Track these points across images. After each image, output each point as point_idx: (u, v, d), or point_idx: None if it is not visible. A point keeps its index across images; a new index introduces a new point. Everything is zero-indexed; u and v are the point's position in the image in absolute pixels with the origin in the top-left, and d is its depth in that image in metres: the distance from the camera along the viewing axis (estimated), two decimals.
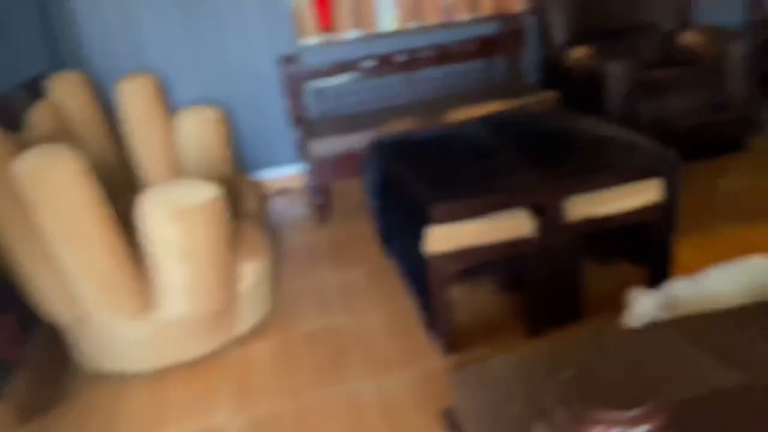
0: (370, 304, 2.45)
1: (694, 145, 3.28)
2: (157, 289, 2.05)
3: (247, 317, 2.30)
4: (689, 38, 3.49)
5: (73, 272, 1.95)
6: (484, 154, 2.23)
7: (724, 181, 3.07)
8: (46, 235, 1.90)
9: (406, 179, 2.14)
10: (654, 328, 1.36)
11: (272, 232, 3.18)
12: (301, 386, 2.05)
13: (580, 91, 3.29)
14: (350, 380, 2.05)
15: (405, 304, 2.41)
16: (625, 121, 3.10)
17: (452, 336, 2.08)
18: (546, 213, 1.98)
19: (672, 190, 2.07)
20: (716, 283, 1.68)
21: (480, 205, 1.95)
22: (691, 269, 2.37)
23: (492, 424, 1.17)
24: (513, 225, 1.98)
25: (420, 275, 2.08)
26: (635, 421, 0.64)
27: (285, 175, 3.65)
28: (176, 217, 1.93)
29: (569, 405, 0.67)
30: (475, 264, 2.06)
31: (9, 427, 2.02)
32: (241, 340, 2.31)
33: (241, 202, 2.74)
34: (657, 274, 2.18)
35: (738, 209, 2.79)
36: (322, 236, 3.09)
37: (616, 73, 3.03)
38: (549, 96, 3.17)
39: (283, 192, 3.63)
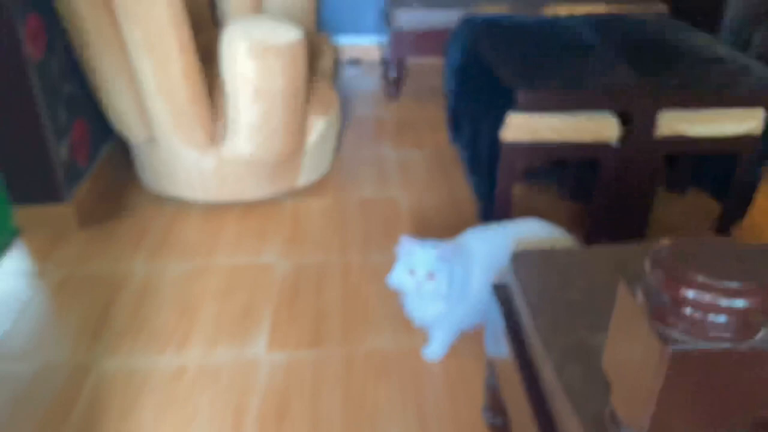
0: (427, 185, 2.43)
1: None
2: (227, 125, 2.06)
3: (307, 172, 2.31)
4: None
5: (151, 91, 1.96)
6: (581, 50, 2.09)
7: None
8: (131, 49, 1.90)
9: (492, 61, 2.04)
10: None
11: (341, 98, 3.14)
12: (348, 245, 2.08)
13: (692, 4, 3.03)
14: None
15: (462, 192, 2.38)
16: (734, 47, 2.87)
17: None
18: (635, 121, 1.88)
19: None
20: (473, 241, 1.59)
21: (568, 99, 1.85)
22: None
23: (546, 306, 1.16)
24: (597, 127, 1.88)
25: (487, 162, 2.02)
26: (730, 293, 0.60)
27: (362, 44, 3.55)
28: (256, 53, 1.89)
29: (666, 266, 0.64)
30: (549, 159, 1.99)
31: (70, 226, 2.13)
32: (299, 193, 2.34)
33: (317, 60, 2.68)
34: (732, 210, 2.08)
35: None
36: (390, 112, 3.04)
37: None
38: (659, 6, 2.93)
39: (357, 62, 3.54)
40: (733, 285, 0.61)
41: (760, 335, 0.63)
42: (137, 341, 1.70)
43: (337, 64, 3.49)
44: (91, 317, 1.78)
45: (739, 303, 0.60)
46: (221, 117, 2.08)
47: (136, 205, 2.28)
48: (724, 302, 0.61)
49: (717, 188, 2.19)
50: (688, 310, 0.62)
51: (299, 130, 2.14)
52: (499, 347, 1.29)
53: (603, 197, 2.00)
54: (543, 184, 2.40)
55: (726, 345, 0.62)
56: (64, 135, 2.08)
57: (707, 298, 0.61)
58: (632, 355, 0.68)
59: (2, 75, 1.87)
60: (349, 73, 3.47)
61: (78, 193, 2.15)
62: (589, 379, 0.98)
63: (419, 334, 1.70)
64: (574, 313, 1.13)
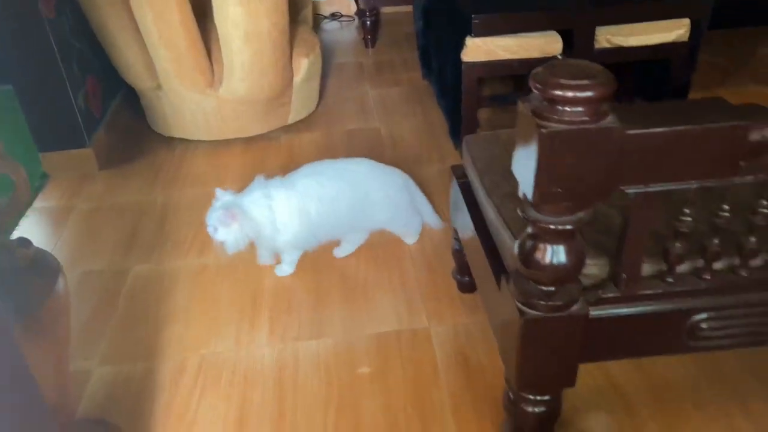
0: (404, 115, 2.72)
1: (740, 10, 3.31)
2: (223, 68, 2.33)
3: (297, 109, 2.59)
4: None
5: (153, 41, 2.23)
6: None
7: (764, 48, 3.14)
8: (133, 4, 2.16)
9: None
10: None
11: (323, 47, 3.41)
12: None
13: None
14: None
15: (435, 118, 2.67)
16: None
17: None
18: (576, 37, 2.16)
19: (698, 31, 2.21)
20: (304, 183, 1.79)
21: (516, 21, 2.13)
22: None
23: (490, 170, 1.46)
24: (543, 44, 2.16)
25: (453, 84, 2.31)
26: (582, 88, 0.90)
27: None
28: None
29: (540, 78, 0.94)
30: (503, 74, 2.27)
31: (92, 168, 2.42)
32: (291, 128, 2.63)
33: (298, 11, 2.94)
34: None
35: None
36: (368, 58, 3.32)
37: None
38: None
39: (336, 16, 3.80)
40: (584, 82, 0.91)
41: (608, 119, 0.93)
42: (164, 250, 2.00)
43: (316, 15, 3.75)
44: (121, 235, 2.08)
45: (589, 93, 0.90)
46: (217, 62, 2.36)
47: (149, 147, 2.57)
48: (579, 94, 0.90)
49: (657, 97, 2.48)
50: (557, 107, 0.92)
51: (287, 69, 2.42)
52: (459, 215, 1.59)
53: None
54: (507, 105, 2.69)
55: (584, 126, 0.92)
56: (79, 87, 2.36)
57: (568, 94, 0.91)
58: (525, 147, 0.98)
59: (25, 31, 2.14)
60: (328, 26, 3.73)
61: (95, 139, 2.43)
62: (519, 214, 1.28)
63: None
64: (511, 173, 1.43)
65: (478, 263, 1.44)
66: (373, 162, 1.92)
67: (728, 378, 1.46)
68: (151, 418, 1.48)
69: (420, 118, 2.69)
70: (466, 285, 1.75)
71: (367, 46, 3.41)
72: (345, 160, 1.93)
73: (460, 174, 1.61)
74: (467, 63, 2.18)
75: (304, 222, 1.77)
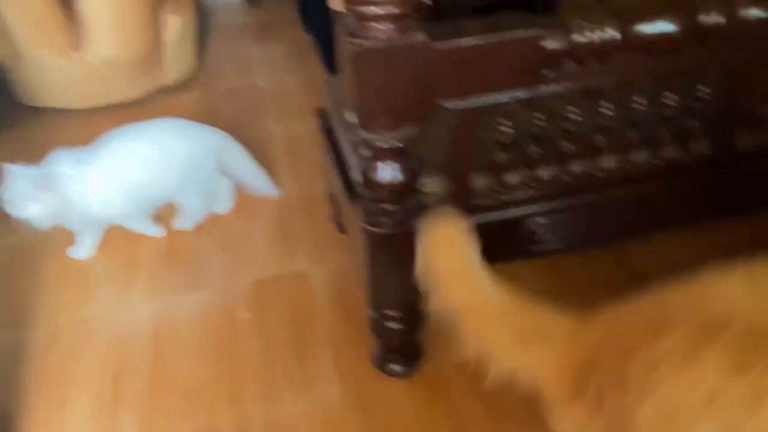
0: (288, 71, 2.72)
1: None
2: (85, 29, 2.24)
3: (172, 69, 2.53)
4: None
5: (4, 5, 2.12)
6: None
7: None
8: None
9: None
10: None
11: (203, 6, 3.33)
12: (219, 126, 2.35)
13: None
14: (264, 125, 2.36)
15: (318, 72, 2.66)
16: None
17: None
18: None
19: None
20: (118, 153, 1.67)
21: None
22: None
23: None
24: None
25: (325, 35, 2.31)
26: (386, 3, 0.94)
27: None
28: None
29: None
30: None
31: None
32: (167, 90, 2.57)
33: None
34: None
35: None
36: (252, 17, 3.27)
37: None
38: None
39: None
40: None
41: (417, 35, 0.98)
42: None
43: None
44: None
45: (393, 9, 0.94)
46: (80, 23, 2.26)
47: (15, 119, 2.44)
48: (383, 10, 0.94)
49: None
50: (366, 24, 0.96)
51: (153, 27, 2.36)
52: (325, 157, 1.62)
53: None
54: None
55: (392, 42, 0.96)
56: None
57: (373, 9, 0.94)
58: (346, 69, 1.02)
59: None
60: None
61: None
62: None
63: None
64: None
65: (341, 200, 1.48)
66: (181, 121, 1.82)
67: (578, 287, 1.56)
68: (25, 384, 1.45)
69: (303, 73, 2.69)
70: (343, 224, 1.79)
71: (252, 5, 3.35)
72: (150, 121, 1.80)
73: (323, 115, 1.64)
74: (335, 11, 2.19)
75: (121, 190, 1.66)
